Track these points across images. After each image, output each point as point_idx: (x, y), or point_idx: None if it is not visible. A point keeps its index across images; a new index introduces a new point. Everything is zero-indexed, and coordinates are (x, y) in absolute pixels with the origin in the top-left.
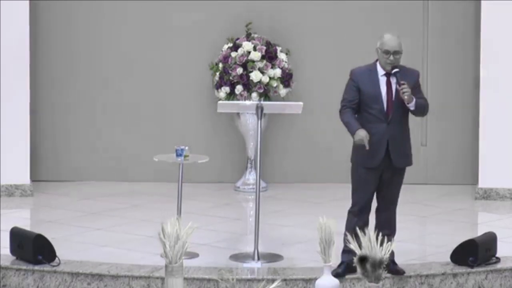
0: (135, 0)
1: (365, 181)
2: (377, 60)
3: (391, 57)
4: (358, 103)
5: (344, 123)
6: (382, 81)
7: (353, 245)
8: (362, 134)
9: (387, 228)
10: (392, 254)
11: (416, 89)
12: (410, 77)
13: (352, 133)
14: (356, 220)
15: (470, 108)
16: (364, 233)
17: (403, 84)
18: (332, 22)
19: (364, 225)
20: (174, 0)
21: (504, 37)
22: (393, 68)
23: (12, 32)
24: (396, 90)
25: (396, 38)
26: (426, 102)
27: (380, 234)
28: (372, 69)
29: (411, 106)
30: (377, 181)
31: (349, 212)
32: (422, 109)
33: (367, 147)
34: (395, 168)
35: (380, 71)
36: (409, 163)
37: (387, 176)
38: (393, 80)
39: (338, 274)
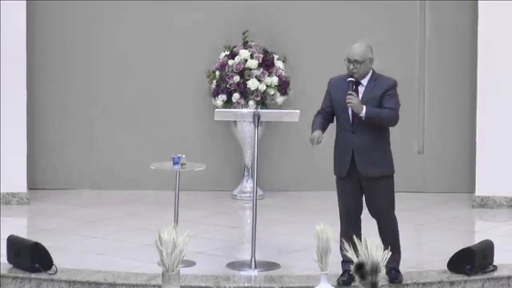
0: (132, 5)
1: (341, 190)
2: None
3: (351, 66)
4: (330, 111)
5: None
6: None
7: (350, 253)
8: (314, 135)
9: (385, 237)
10: (397, 262)
11: (386, 97)
12: (380, 84)
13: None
14: (345, 229)
15: (468, 115)
16: (360, 240)
17: (350, 94)
18: (329, 29)
19: (355, 233)
20: (171, 7)
21: (502, 37)
22: (351, 76)
23: (9, 38)
24: (365, 99)
25: (358, 47)
26: (390, 113)
27: (383, 243)
28: (346, 78)
29: (362, 115)
30: (356, 190)
31: (340, 222)
32: (379, 119)
33: (312, 146)
34: (369, 178)
35: None
36: (382, 172)
37: (365, 185)
38: (362, 89)
39: (345, 282)
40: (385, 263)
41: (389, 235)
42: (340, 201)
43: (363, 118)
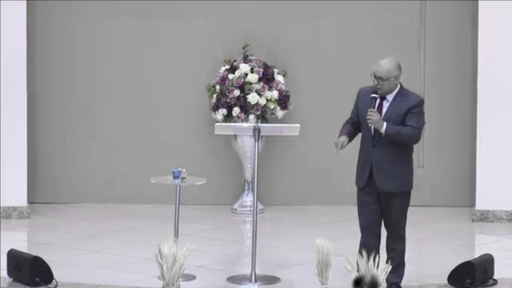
0: (131, 21)
1: (359, 200)
2: None
3: (376, 81)
4: (358, 121)
5: None
6: (376, 103)
7: (350, 267)
8: (339, 139)
9: (392, 251)
10: (401, 278)
11: (409, 115)
12: (406, 101)
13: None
14: (363, 240)
15: (468, 129)
16: (368, 255)
17: (371, 111)
18: (329, 44)
19: (370, 246)
20: (171, 21)
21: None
22: (375, 93)
23: (10, 52)
24: (389, 114)
25: (385, 64)
26: (411, 131)
27: (389, 257)
28: (374, 91)
29: (382, 132)
30: (374, 202)
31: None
32: (398, 137)
33: (336, 153)
34: (387, 192)
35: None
36: (399, 188)
37: (383, 199)
38: (387, 104)
39: None
40: (385, 277)
41: (396, 250)
42: (358, 211)
43: (383, 135)
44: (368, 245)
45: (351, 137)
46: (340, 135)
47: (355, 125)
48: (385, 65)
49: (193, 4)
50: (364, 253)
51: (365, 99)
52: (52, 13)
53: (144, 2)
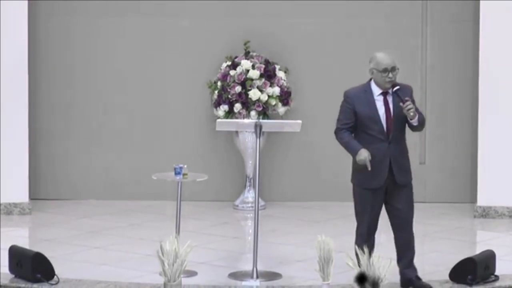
0: (133, 18)
1: (368, 202)
2: (370, 80)
3: (390, 75)
4: (354, 125)
5: (343, 144)
6: (379, 100)
7: (352, 263)
8: (365, 155)
9: (407, 248)
10: (415, 270)
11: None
12: (406, 92)
13: (354, 153)
14: (362, 241)
15: (469, 125)
16: (370, 251)
17: (407, 100)
18: (330, 40)
19: (370, 245)
20: (172, 18)
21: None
22: (393, 86)
23: (11, 55)
24: (396, 108)
25: (389, 55)
26: (423, 116)
27: (402, 255)
28: (367, 90)
29: (414, 121)
30: (382, 201)
31: (356, 232)
32: (422, 124)
33: (369, 168)
34: (399, 185)
35: (376, 91)
36: (410, 179)
37: (391, 193)
38: (390, 99)
39: None
40: (386, 272)
41: (411, 245)
42: (363, 213)
43: (415, 124)
44: (369, 244)
45: None
46: (355, 150)
47: (352, 131)
48: (390, 55)
49: (194, 2)
50: (366, 249)
51: (361, 100)
52: (53, 12)
53: (145, 1)
